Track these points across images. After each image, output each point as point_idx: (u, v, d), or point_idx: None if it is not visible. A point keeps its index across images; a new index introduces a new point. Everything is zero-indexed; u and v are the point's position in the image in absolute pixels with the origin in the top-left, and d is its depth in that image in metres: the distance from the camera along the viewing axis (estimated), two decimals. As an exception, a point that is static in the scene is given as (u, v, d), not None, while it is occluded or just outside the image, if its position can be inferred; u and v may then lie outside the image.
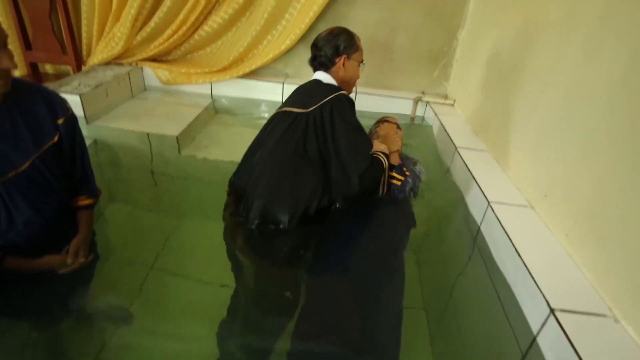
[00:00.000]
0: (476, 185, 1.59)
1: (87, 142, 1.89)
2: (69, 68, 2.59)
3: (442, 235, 1.65)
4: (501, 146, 1.80)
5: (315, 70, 1.53)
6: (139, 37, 2.48)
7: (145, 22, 2.45)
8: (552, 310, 1.01)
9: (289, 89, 2.09)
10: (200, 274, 1.27)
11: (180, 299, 1.19)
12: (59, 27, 2.45)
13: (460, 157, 1.82)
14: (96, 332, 1.08)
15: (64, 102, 1.13)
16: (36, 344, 1.03)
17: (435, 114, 2.44)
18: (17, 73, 2.54)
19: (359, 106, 2.68)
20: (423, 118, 2.68)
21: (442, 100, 2.62)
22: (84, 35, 2.53)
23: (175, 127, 2.10)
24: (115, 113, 2.24)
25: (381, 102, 2.61)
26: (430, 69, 2.67)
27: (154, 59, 2.62)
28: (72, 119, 1.14)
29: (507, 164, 1.71)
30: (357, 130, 1.39)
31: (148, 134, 2.04)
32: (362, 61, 1.54)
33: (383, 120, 1.74)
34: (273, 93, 2.60)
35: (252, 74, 2.60)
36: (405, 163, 1.56)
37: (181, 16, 2.38)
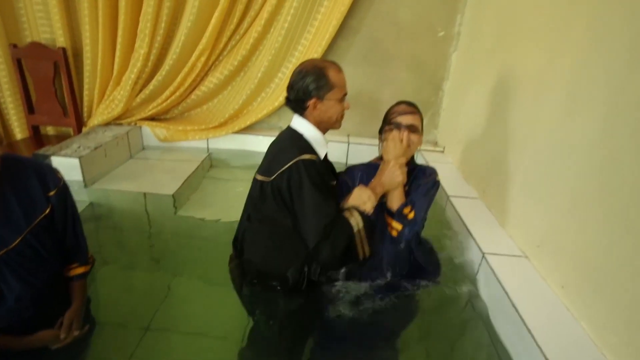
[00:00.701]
0: (470, 236, 1.61)
1: (84, 205, 1.94)
2: (69, 129, 2.67)
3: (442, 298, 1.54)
4: (492, 194, 1.84)
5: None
6: (138, 99, 2.59)
7: (144, 85, 2.57)
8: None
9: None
10: (197, 328, 1.28)
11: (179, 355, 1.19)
12: (61, 91, 2.56)
13: (453, 206, 1.86)
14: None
15: (55, 172, 1.13)
16: None
17: (426, 162, 2.51)
18: (18, 136, 2.62)
19: (352, 156, 2.81)
20: (415, 165, 2.74)
21: (432, 148, 2.70)
22: (85, 98, 2.64)
23: (171, 185, 2.14)
24: (114, 174, 2.29)
25: (373, 151, 2.67)
26: (418, 118, 2.78)
27: (152, 118, 2.72)
28: (63, 189, 1.14)
29: (500, 212, 1.74)
30: (313, 199, 1.22)
31: (145, 194, 2.08)
32: (343, 95, 1.34)
33: (390, 123, 1.38)
34: (267, 145, 2.66)
35: (247, 129, 2.70)
36: (414, 195, 1.33)
37: (179, 78, 2.51)
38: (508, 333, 1.24)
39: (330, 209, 1.24)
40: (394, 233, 1.32)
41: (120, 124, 2.65)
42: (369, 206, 1.25)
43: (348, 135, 2.78)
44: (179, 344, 1.23)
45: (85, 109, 2.68)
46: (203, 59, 2.47)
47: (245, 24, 2.49)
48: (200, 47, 2.41)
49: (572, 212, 1.24)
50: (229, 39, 2.52)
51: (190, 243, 1.80)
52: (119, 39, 2.40)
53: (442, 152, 2.66)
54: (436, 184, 1.37)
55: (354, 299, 1.33)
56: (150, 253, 1.73)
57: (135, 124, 2.67)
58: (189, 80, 2.53)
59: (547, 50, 1.45)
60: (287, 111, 2.70)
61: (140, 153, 2.66)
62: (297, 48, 2.51)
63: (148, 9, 2.29)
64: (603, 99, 1.14)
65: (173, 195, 2.06)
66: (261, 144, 2.69)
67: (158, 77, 2.50)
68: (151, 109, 2.62)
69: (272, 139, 1.45)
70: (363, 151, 2.66)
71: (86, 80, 2.56)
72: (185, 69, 2.48)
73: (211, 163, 2.67)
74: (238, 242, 1.42)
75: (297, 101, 1.32)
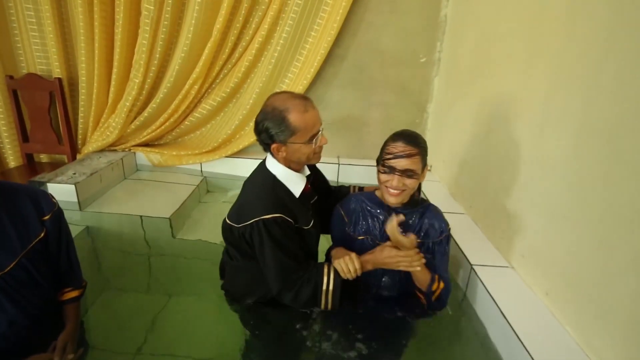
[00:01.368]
0: (458, 249, 1.67)
1: (79, 229, 1.96)
2: (64, 156, 2.70)
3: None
4: (478, 209, 1.92)
5: None
6: (132, 126, 2.65)
7: (139, 112, 2.64)
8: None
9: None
10: (191, 351, 1.28)
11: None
12: (56, 120, 2.61)
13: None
14: None
15: (49, 197, 1.15)
16: None
17: (415, 180, 2.60)
18: (12, 164, 2.64)
19: (342, 175, 2.89)
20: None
21: (419, 167, 2.79)
22: (80, 126, 2.69)
23: (167, 208, 2.18)
24: (108, 196, 2.32)
25: (362, 172, 2.77)
26: (405, 138, 2.89)
27: (146, 144, 2.77)
28: (58, 213, 1.16)
29: (485, 225, 1.82)
30: (274, 257, 1.20)
31: (141, 217, 2.10)
32: (312, 136, 1.22)
33: (384, 161, 1.30)
34: (260, 168, 2.74)
35: (240, 153, 2.77)
36: (437, 267, 1.28)
37: (173, 105, 2.59)
38: (497, 339, 1.29)
39: (293, 263, 1.20)
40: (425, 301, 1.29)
41: (115, 150, 2.70)
42: (350, 277, 1.21)
43: (338, 157, 2.87)
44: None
45: (79, 137, 2.72)
46: (196, 87, 2.56)
47: (237, 54, 2.60)
48: (193, 75, 2.51)
49: (551, 223, 1.32)
50: (222, 67, 2.62)
51: (186, 265, 1.82)
52: (115, 70, 2.49)
53: (429, 170, 2.76)
54: (449, 239, 1.35)
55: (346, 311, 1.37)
56: (146, 276, 1.74)
57: (130, 149, 2.72)
58: (183, 107, 2.61)
59: (522, 73, 1.56)
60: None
61: (135, 174, 2.71)
62: (287, 75, 2.62)
63: (143, 40, 2.39)
64: (574, 116, 1.23)
65: (170, 219, 2.10)
66: (252, 167, 2.73)
67: (152, 104, 2.58)
68: (145, 135, 2.68)
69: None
70: (353, 171, 2.75)
71: (81, 109, 2.62)
72: (179, 97, 2.57)
73: (207, 188, 2.72)
74: (221, 270, 1.50)
75: (262, 143, 1.26)
